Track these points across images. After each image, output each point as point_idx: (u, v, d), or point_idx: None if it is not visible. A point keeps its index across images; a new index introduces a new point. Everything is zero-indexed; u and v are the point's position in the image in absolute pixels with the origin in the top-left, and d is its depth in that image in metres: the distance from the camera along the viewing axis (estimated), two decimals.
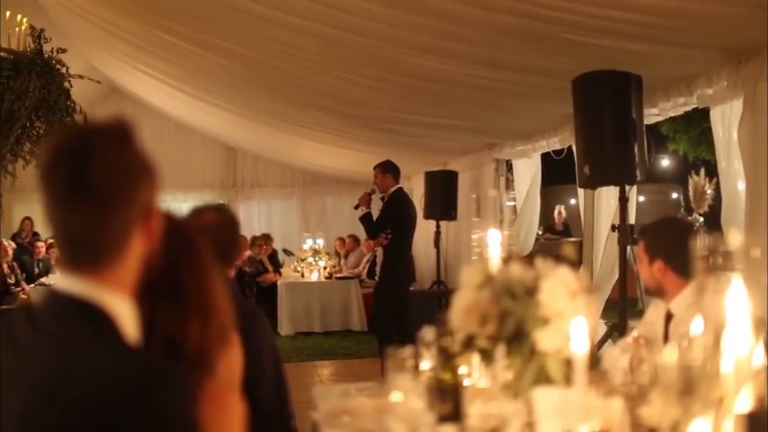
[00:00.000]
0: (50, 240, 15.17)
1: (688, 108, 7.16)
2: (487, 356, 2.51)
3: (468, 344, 2.52)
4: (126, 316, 1.76)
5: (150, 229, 1.78)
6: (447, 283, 12.38)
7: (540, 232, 16.37)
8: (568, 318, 2.27)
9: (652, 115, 7.34)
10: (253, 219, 18.67)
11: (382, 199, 9.99)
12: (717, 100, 6.51)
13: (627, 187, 6.54)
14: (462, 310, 2.50)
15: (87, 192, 1.65)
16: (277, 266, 15.71)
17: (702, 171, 6.94)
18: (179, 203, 17.90)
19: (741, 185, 6.24)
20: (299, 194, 18.96)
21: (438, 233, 12.55)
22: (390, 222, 9.70)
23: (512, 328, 2.38)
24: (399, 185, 9.86)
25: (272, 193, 18.95)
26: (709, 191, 6.85)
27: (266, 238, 15.89)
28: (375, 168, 9.91)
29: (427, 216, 12.57)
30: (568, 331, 2.21)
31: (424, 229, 13.48)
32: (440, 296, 11.26)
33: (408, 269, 9.98)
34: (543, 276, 2.38)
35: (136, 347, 1.75)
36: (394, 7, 6.21)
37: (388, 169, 9.81)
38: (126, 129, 1.76)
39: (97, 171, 1.65)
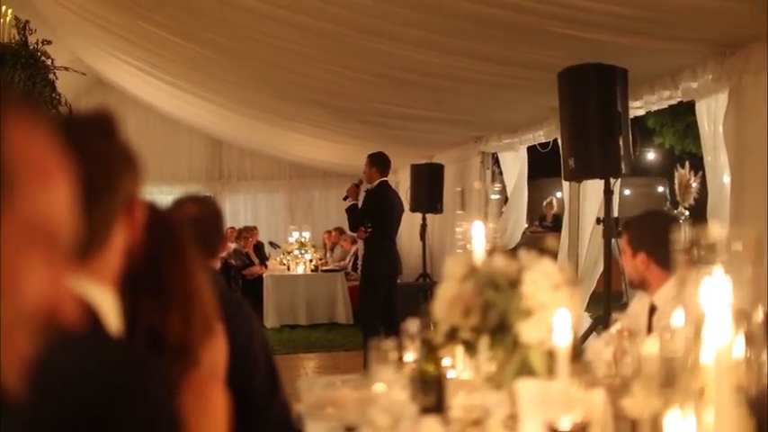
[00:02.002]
0: None
1: (673, 101, 7.16)
2: (471, 348, 2.51)
3: (452, 335, 2.53)
4: (108, 307, 1.76)
5: (133, 221, 1.78)
6: (432, 276, 12.39)
7: (527, 225, 16.35)
8: (551, 310, 2.27)
9: (637, 108, 7.35)
10: (239, 211, 18.66)
11: (366, 191, 10.01)
12: (702, 93, 6.51)
13: (612, 180, 6.55)
14: (446, 301, 2.50)
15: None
16: (263, 259, 15.69)
17: (687, 164, 6.94)
18: (164, 196, 17.87)
19: (726, 179, 6.25)
20: (285, 187, 18.92)
21: (424, 226, 12.56)
22: (369, 216, 9.68)
23: (495, 320, 2.38)
24: (384, 179, 9.81)
25: (258, 185, 18.92)
26: (694, 184, 6.86)
27: (251, 229, 15.86)
28: (367, 157, 9.90)
29: (413, 209, 12.57)
30: (551, 323, 2.21)
31: (409, 222, 13.49)
32: (425, 289, 11.27)
33: (391, 263, 9.94)
34: (526, 268, 2.39)
35: (118, 338, 1.75)
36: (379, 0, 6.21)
37: (374, 161, 9.79)
38: (109, 119, 1.76)
39: (79, 162, 1.64)
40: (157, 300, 1.98)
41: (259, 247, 15.87)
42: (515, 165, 10.79)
